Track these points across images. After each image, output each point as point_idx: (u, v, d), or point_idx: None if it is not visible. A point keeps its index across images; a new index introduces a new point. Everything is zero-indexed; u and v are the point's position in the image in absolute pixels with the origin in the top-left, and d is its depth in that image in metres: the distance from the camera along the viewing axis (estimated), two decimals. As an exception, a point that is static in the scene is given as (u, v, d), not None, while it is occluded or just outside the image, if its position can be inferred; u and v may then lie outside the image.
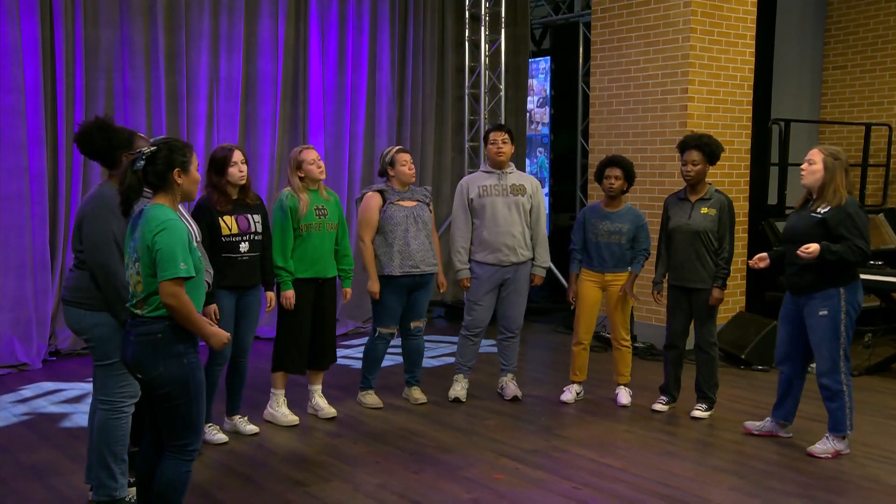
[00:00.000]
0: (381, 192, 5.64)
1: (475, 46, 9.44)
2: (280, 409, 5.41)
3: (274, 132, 8.11)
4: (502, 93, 9.34)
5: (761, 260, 5.07)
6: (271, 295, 5.16)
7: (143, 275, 3.28)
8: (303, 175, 5.25)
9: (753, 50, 7.71)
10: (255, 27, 7.98)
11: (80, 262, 3.86)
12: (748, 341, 7.07)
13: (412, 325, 5.81)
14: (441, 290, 5.92)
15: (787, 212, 8.22)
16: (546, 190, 10.46)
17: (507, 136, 5.84)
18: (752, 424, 5.31)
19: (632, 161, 5.90)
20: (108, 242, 3.74)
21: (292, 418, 5.39)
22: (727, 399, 6.00)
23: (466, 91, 9.44)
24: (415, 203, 5.67)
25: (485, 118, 9.29)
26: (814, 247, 4.67)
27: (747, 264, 7.80)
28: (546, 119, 10.66)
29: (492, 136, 5.85)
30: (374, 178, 8.72)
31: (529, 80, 10.29)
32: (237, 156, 4.85)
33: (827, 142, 9.81)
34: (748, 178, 7.80)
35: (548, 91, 10.62)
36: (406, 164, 5.63)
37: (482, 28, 9.30)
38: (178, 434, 3.38)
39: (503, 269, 5.80)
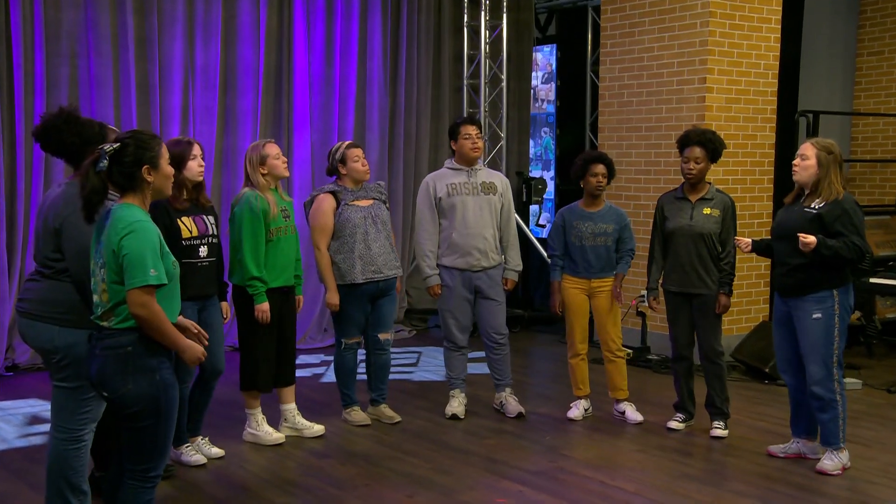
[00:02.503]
0: (333, 193, 5.59)
1: (475, 33, 9.44)
2: (262, 428, 5.38)
3: (255, 126, 8.10)
4: (504, 83, 9.34)
5: (745, 245, 5.13)
6: (226, 305, 5.12)
7: (109, 282, 3.24)
8: (265, 171, 5.22)
9: (779, 35, 7.70)
10: (235, 11, 7.97)
11: (55, 272, 3.76)
12: (772, 354, 7.01)
13: (381, 336, 5.74)
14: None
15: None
16: (551, 188, 10.45)
17: (479, 129, 5.85)
18: (776, 448, 5.27)
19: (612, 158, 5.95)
20: None
21: (277, 436, 5.37)
22: (749, 416, 5.98)
23: (465, 81, 9.43)
24: (371, 202, 5.63)
25: (485, 111, 9.29)
26: (811, 238, 4.70)
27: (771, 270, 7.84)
28: (552, 96, 10.64)
29: (465, 129, 5.79)
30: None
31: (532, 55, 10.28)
32: (196, 149, 4.82)
33: (860, 136, 9.81)
34: (772, 176, 7.79)
35: (553, 66, 10.59)
36: (359, 160, 5.59)
37: (482, 13, 9.30)
38: (141, 458, 3.33)
39: (473, 275, 5.78)
